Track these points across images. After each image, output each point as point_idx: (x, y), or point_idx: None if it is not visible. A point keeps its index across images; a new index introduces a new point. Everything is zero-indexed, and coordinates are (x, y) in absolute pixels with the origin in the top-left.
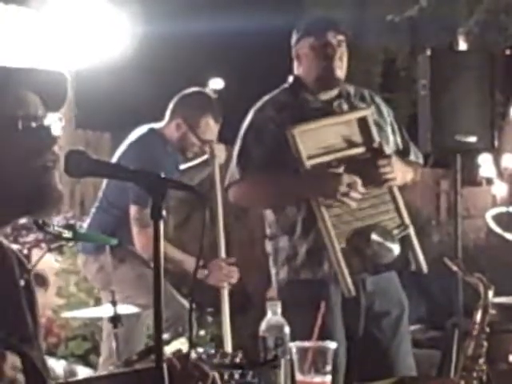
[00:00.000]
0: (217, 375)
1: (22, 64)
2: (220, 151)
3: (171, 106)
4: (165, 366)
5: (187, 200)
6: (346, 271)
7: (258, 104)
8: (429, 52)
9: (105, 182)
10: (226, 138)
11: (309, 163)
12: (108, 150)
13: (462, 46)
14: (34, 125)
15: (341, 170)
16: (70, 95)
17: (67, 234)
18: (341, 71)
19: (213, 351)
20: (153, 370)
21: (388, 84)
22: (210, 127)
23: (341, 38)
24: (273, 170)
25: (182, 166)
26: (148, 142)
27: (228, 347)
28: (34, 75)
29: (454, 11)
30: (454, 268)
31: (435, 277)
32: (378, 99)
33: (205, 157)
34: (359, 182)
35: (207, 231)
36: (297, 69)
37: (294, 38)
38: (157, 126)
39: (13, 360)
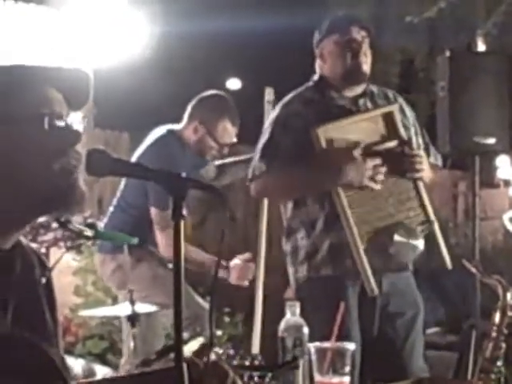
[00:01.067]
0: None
1: (43, 62)
2: None
3: (189, 108)
4: (185, 365)
5: (205, 200)
6: (369, 270)
7: (285, 99)
8: (448, 53)
9: (123, 181)
10: (243, 137)
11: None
12: (126, 149)
13: (481, 47)
14: (58, 123)
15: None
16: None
17: (88, 232)
18: (366, 66)
19: (232, 352)
20: (172, 369)
21: (405, 85)
22: (228, 131)
23: (364, 33)
24: (298, 163)
25: (226, 161)
26: (166, 143)
27: (256, 348)
28: (57, 73)
29: (473, 13)
30: (473, 270)
31: (452, 279)
32: (401, 99)
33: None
34: (380, 162)
35: (226, 231)
36: (321, 68)
37: (317, 37)
38: (175, 127)
39: None
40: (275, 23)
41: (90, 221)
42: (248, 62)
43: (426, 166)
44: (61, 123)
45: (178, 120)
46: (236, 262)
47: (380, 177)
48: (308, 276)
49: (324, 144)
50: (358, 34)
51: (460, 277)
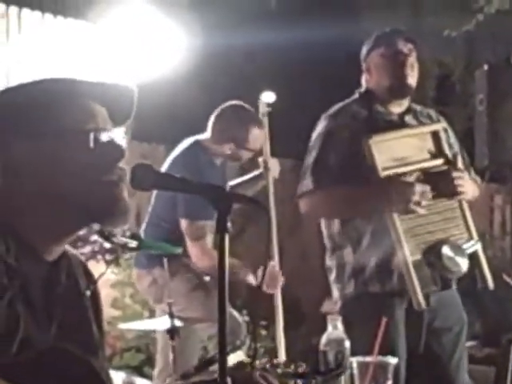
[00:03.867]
0: None
1: (82, 77)
2: (274, 165)
3: (212, 121)
4: (228, 379)
5: (241, 213)
6: (417, 284)
7: (331, 111)
8: (486, 67)
9: (153, 196)
10: (278, 151)
11: (383, 174)
12: (162, 162)
13: None
14: (103, 139)
15: (412, 179)
16: None
17: (132, 243)
18: (412, 79)
19: (275, 361)
20: (216, 382)
21: (442, 98)
22: (257, 136)
23: (410, 46)
24: (346, 179)
25: (235, 181)
26: (192, 155)
27: (282, 356)
28: (101, 88)
29: (511, 26)
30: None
31: (490, 292)
32: (442, 120)
33: (258, 171)
34: (428, 189)
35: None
36: (367, 82)
37: (364, 50)
38: (202, 137)
39: None
40: (309, 37)
41: (132, 232)
42: (282, 75)
43: (472, 187)
44: (105, 139)
45: None
46: (268, 270)
47: (425, 203)
48: (355, 293)
49: (375, 155)
50: (405, 47)
51: (497, 289)
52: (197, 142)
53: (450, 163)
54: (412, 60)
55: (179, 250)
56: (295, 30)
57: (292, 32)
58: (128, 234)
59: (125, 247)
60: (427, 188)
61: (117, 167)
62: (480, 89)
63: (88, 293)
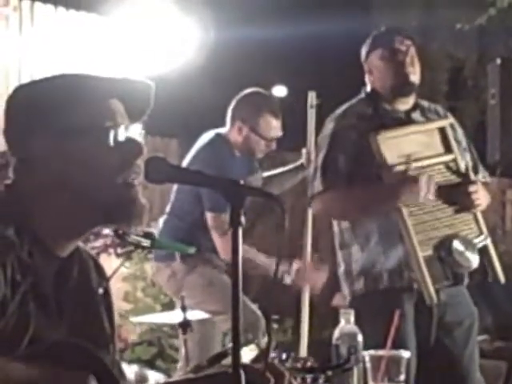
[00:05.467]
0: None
1: (95, 72)
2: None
3: (230, 111)
4: (242, 371)
5: (253, 207)
6: (428, 279)
7: (338, 112)
8: (498, 61)
9: (174, 188)
10: (289, 145)
11: (391, 170)
12: (175, 156)
13: None
14: (122, 137)
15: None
16: None
17: (146, 242)
18: (414, 76)
19: (284, 356)
20: (226, 374)
21: (454, 92)
22: (271, 124)
23: (408, 42)
24: (356, 179)
25: (272, 172)
26: (215, 148)
27: (304, 351)
28: (118, 84)
29: None
30: None
31: (501, 287)
32: (450, 116)
33: (298, 162)
34: (433, 181)
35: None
36: (371, 83)
37: (364, 53)
38: (222, 130)
39: None
40: (321, 30)
41: (145, 230)
42: (294, 69)
43: (485, 194)
44: (123, 135)
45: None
46: (300, 263)
47: (432, 194)
48: (365, 289)
49: (384, 151)
50: (402, 45)
51: (508, 284)
52: (218, 136)
53: (455, 163)
54: (411, 56)
55: (192, 250)
56: (307, 24)
57: (304, 26)
58: (141, 232)
59: (138, 246)
60: (433, 179)
61: (135, 165)
62: (492, 83)
63: (101, 290)
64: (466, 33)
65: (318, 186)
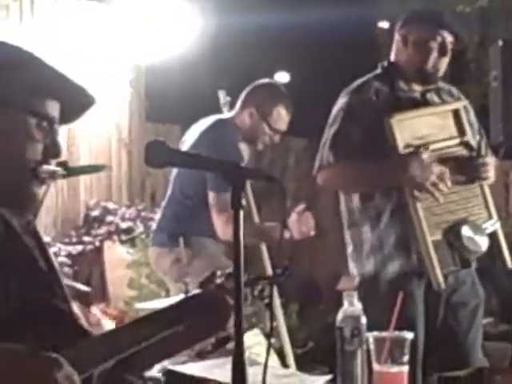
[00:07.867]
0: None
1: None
2: None
3: (243, 95)
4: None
5: (255, 190)
6: (436, 264)
7: (353, 86)
8: (500, 43)
9: (174, 172)
10: (291, 130)
11: (404, 152)
12: (178, 142)
13: None
14: (45, 125)
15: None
16: (140, 89)
17: (61, 171)
18: (443, 71)
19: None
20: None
21: (457, 75)
22: (282, 117)
23: (452, 40)
24: (366, 155)
25: None
26: (219, 132)
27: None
28: (63, 82)
29: None
30: None
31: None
32: (463, 97)
33: None
34: (448, 173)
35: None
36: (397, 53)
37: (406, 18)
38: (226, 115)
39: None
40: (324, 17)
41: (142, 214)
42: (296, 56)
43: (493, 172)
44: (48, 126)
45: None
46: (293, 217)
47: (443, 188)
48: (374, 270)
49: (397, 134)
50: (450, 37)
51: None
52: (222, 120)
53: (468, 146)
54: (449, 53)
55: (106, 169)
56: (310, 10)
57: (306, 13)
58: (142, 214)
59: (54, 177)
60: (445, 170)
61: (47, 163)
62: (494, 65)
63: (27, 239)
64: (468, 15)
65: (327, 157)
